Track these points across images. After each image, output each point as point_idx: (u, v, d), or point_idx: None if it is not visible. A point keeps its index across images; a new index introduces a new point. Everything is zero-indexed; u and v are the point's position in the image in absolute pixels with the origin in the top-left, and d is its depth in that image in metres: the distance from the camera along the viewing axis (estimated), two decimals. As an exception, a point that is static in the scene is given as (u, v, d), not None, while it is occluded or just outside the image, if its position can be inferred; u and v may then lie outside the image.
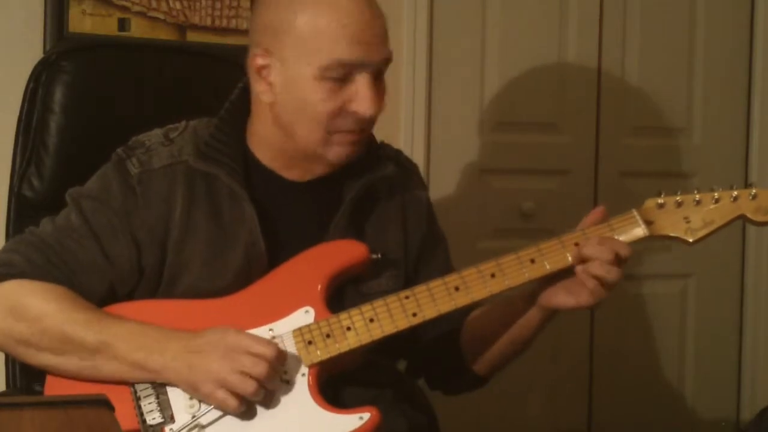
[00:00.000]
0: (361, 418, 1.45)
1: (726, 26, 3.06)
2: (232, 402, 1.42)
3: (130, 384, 1.48)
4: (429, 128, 2.75)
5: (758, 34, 3.06)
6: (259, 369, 1.42)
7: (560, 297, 1.55)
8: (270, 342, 1.46)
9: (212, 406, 1.45)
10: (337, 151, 1.55)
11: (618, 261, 1.50)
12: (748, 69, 3.08)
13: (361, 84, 1.50)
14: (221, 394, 1.42)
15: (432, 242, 1.73)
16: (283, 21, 1.52)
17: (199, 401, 1.46)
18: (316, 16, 1.49)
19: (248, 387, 1.41)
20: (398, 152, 1.76)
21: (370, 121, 1.54)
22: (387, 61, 1.53)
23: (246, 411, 1.45)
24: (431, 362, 1.73)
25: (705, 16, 3.03)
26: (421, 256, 1.70)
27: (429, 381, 1.77)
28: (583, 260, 1.51)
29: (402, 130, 2.70)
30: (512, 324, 1.63)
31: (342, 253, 1.57)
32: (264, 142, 1.61)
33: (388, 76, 2.69)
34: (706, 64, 3.04)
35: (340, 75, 1.50)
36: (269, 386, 1.44)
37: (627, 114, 2.97)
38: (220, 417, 1.46)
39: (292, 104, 1.54)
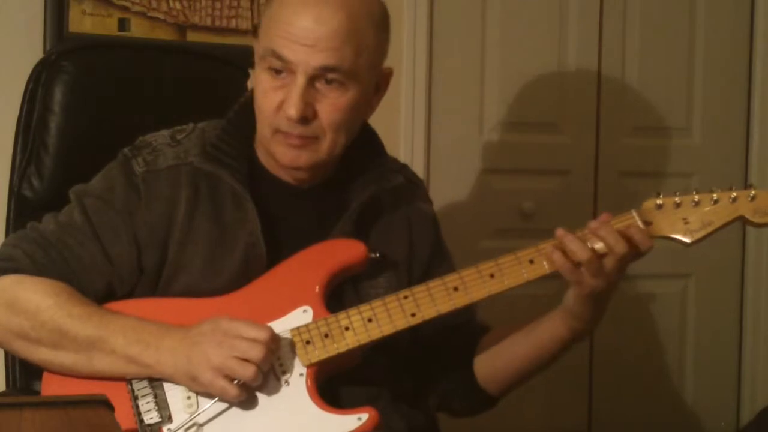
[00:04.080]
0: (359, 418, 1.45)
1: (726, 26, 3.06)
2: (233, 390, 1.42)
3: (128, 383, 1.48)
4: (429, 128, 2.75)
5: (758, 34, 3.06)
6: (256, 352, 1.42)
7: (570, 291, 1.54)
8: (264, 326, 1.46)
9: (211, 403, 1.45)
10: (281, 153, 1.55)
11: (631, 245, 1.49)
12: (748, 69, 3.08)
13: (293, 84, 1.50)
14: (221, 382, 1.42)
15: (439, 259, 1.72)
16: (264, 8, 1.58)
17: (197, 400, 1.46)
18: (275, 7, 1.54)
19: (247, 371, 1.42)
20: (404, 166, 1.77)
21: (307, 123, 1.51)
22: (330, 67, 1.50)
23: (244, 410, 1.45)
24: (440, 377, 1.71)
25: (705, 16, 3.03)
26: (428, 272, 1.67)
27: (435, 400, 1.73)
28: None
29: (402, 130, 2.70)
30: (535, 341, 1.61)
31: (340, 251, 1.57)
32: (260, 139, 1.62)
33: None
34: (706, 64, 3.04)
35: (276, 68, 1.51)
36: (265, 369, 1.44)
37: (627, 114, 2.97)
38: (218, 415, 1.46)
39: (256, 96, 1.57)
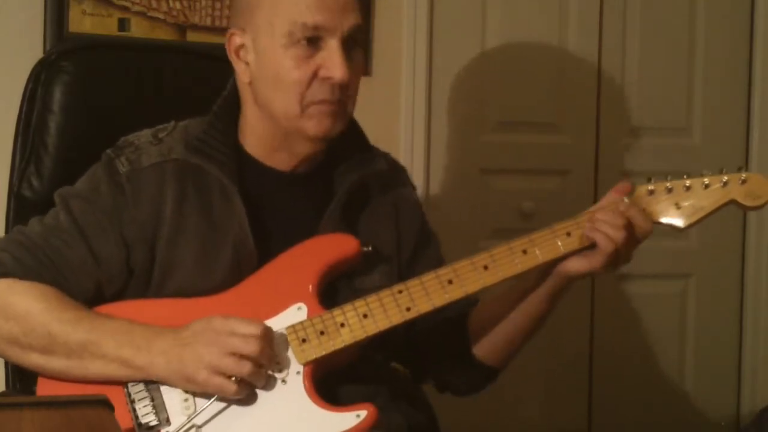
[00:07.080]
0: (358, 415, 1.45)
1: (726, 26, 3.06)
2: (231, 386, 1.42)
3: (124, 386, 1.47)
4: (429, 128, 2.75)
5: (758, 34, 3.06)
6: (251, 347, 1.41)
7: (573, 262, 1.56)
8: (257, 321, 1.45)
9: (209, 404, 1.44)
10: (315, 124, 1.54)
11: (628, 227, 1.51)
12: (748, 69, 3.08)
13: (331, 49, 1.50)
14: (217, 380, 1.42)
15: (425, 240, 1.73)
16: None
17: (195, 401, 1.46)
18: None
19: (244, 368, 1.41)
20: (386, 154, 1.76)
21: (344, 88, 1.52)
22: (356, 27, 1.52)
23: (242, 410, 1.45)
24: (436, 357, 1.72)
25: (705, 16, 3.03)
26: (414, 254, 1.70)
27: (437, 381, 1.76)
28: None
29: (402, 131, 2.71)
30: (525, 299, 1.62)
31: (333, 246, 1.57)
32: (251, 129, 1.61)
33: (388, 76, 2.69)
34: (706, 64, 3.04)
35: (307, 41, 1.50)
36: (266, 366, 1.44)
37: (627, 114, 2.98)
38: (216, 416, 1.45)
39: (266, 79, 1.55)
